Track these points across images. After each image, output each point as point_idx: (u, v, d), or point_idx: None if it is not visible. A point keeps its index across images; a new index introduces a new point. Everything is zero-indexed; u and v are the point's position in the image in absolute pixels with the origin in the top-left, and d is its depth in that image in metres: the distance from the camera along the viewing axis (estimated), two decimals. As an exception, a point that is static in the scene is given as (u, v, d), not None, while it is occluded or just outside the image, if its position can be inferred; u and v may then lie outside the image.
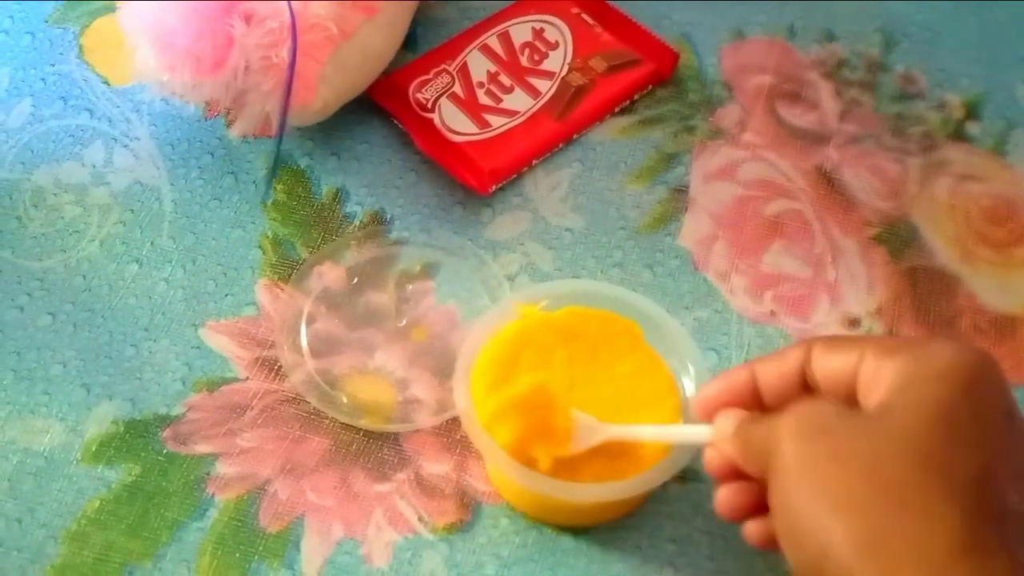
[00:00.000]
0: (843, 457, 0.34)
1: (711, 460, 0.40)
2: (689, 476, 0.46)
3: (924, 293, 0.51)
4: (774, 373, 0.39)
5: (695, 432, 0.41)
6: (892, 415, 0.34)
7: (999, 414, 0.34)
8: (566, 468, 0.41)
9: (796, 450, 0.35)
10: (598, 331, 0.45)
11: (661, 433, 0.42)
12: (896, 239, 0.52)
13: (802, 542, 0.34)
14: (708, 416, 0.40)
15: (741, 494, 0.39)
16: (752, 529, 0.39)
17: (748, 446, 0.38)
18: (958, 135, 0.56)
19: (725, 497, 0.39)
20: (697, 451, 0.41)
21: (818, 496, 0.33)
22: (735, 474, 0.39)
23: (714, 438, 0.39)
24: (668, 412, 0.43)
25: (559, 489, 0.41)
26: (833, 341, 0.37)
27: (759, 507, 0.38)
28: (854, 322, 0.50)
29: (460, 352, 0.44)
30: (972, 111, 0.57)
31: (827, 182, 0.54)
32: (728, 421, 0.39)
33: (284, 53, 0.49)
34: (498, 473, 0.44)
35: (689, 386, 0.44)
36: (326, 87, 0.51)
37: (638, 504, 0.45)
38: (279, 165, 0.52)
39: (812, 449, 0.34)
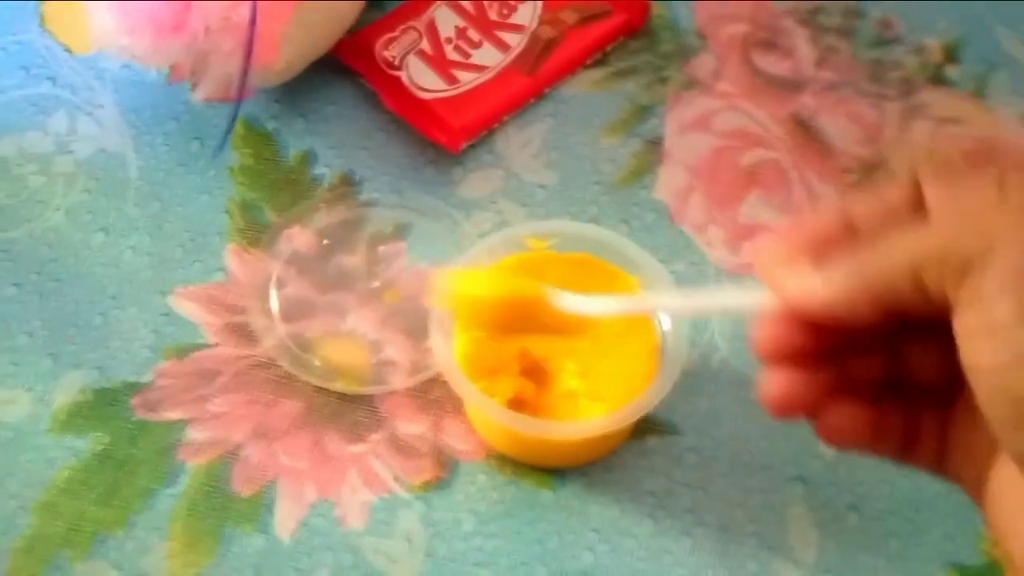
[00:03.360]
0: None
1: (767, 337, 0.31)
2: (668, 429, 0.45)
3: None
4: (878, 211, 0.30)
5: (748, 297, 0.32)
6: None
7: None
8: (547, 408, 0.42)
9: None
10: (599, 282, 0.44)
11: (691, 303, 0.35)
12: (875, 185, 0.51)
13: None
14: (769, 269, 0.31)
15: (803, 383, 0.31)
16: (839, 420, 0.31)
17: (893, 280, 0.28)
18: (937, 79, 0.55)
19: (783, 385, 0.31)
20: (668, 395, 0.41)
21: None
22: (796, 356, 0.31)
23: (794, 294, 0.30)
24: (643, 376, 0.42)
25: (545, 428, 0.41)
26: (944, 169, 0.30)
27: (823, 400, 0.31)
28: (833, 270, 0.49)
29: (454, 266, 0.44)
30: (951, 55, 0.56)
31: (804, 130, 0.53)
32: (808, 269, 0.30)
33: (244, 12, 0.48)
34: (478, 413, 0.43)
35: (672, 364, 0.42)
36: (289, 46, 0.50)
37: (620, 442, 0.44)
38: (233, 126, 0.51)
39: None
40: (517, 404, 0.42)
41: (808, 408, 0.32)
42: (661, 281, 0.44)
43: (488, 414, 0.42)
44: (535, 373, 0.43)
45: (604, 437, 0.42)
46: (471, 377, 0.42)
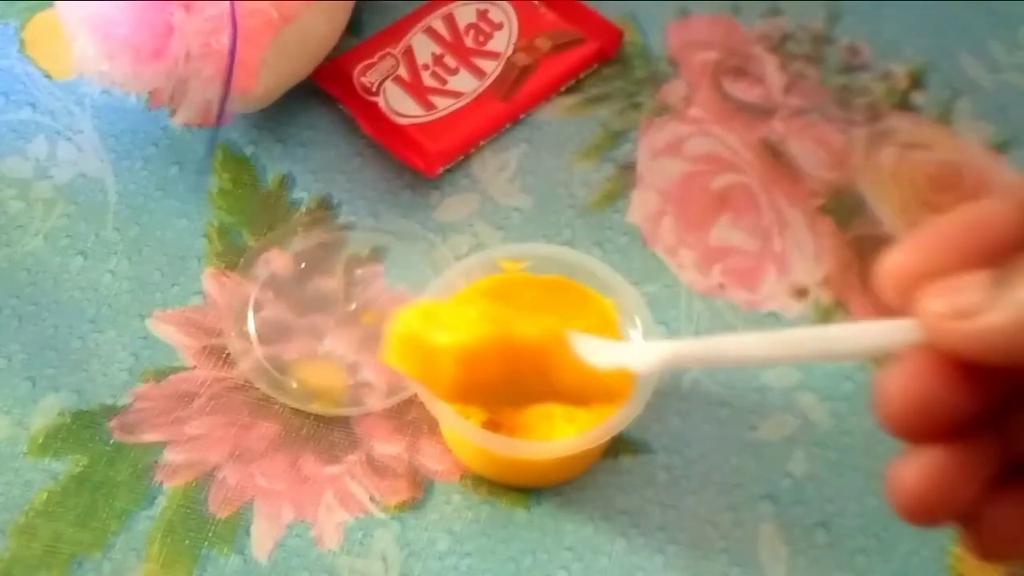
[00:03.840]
0: None
1: (904, 395, 0.21)
2: (640, 448, 0.46)
3: (871, 261, 0.50)
4: None
5: (887, 331, 0.22)
6: None
7: None
8: (522, 428, 0.42)
9: None
10: (574, 305, 0.45)
11: (797, 346, 0.25)
12: (842, 209, 0.53)
13: None
14: (907, 293, 0.22)
15: (958, 468, 0.21)
16: (1007, 524, 0.21)
17: None
18: (903, 105, 0.56)
19: (929, 473, 0.21)
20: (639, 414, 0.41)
21: None
22: (948, 426, 0.21)
23: (957, 327, 0.20)
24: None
25: (519, 448, 0.41)
26: None
27: (982, 494, 0.21)
28: (802, 292, 0.50)
29: (428, 288, 0.44)
30: (917, 81, 0.57)
31: (773, 155, 0.54)
32: (977, 287, 0.20)
33: (224, 39, 0.49)
34: (453, 433, 0.44)
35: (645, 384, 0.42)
36: (268, 72, 0.51)
37: (593, 461, 0.45)
38: (213, 152, 0.52)
39: None
40: (492, 425, 0.43)
41: (965, 508, 0.22)
42: (634, 303, 0.45)
43: (463, 434, 0.42)
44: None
45: (578, 456, 0.43)
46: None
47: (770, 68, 0.57)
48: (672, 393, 0.47)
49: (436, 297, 0.44)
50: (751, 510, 0.44)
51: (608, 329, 0.45)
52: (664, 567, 0.43)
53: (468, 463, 0.45)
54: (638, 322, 0.44)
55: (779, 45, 0.58)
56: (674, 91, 0.56)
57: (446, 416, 0.42)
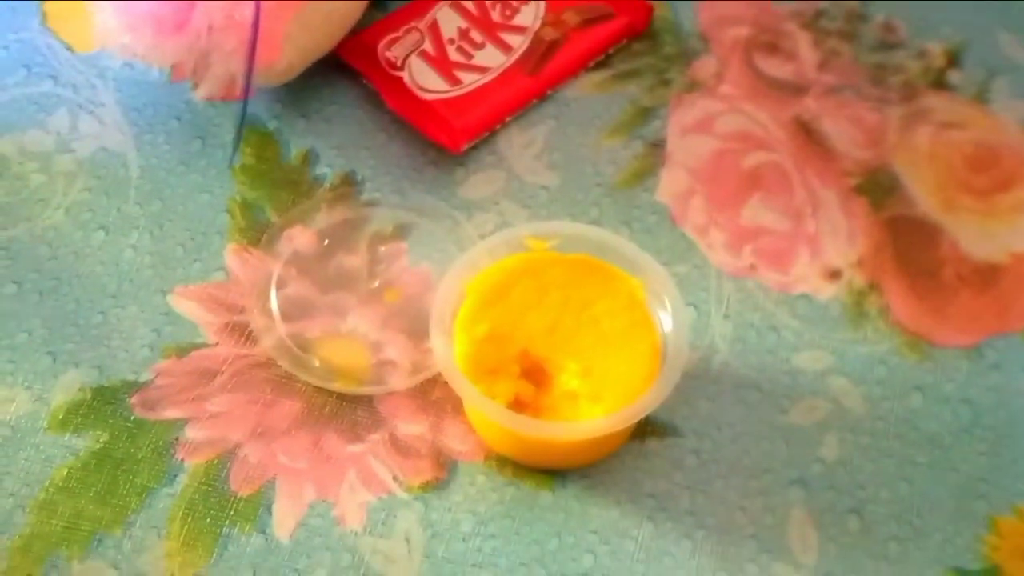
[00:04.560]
0: None
1: None
2: (668, 431, 0.45)
3: (906, 243, 0.50)
4: None
5: None
6: None
7: None
8: (548, 409, 0.42)
9: None
10: (601, 285, 0.44)
11: None
12: (877, 189, 0.51)
13: None
14: None
15: None
16: None
17: None
18: (939, 84, 0.55)
19: None
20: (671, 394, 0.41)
21: None
22: None
23: None
24: (644, 378, 0.42)
25: (545, 429, 0.41)
26: None
27: None
28: (835, 274, 0.49)
29: (453, 265, 0.44)
30: (953, 59, 0.56)
31: (806, 133, 0.53)
32: None
33: (247, 11, 0.48)
34: (477, 414, 0.43)
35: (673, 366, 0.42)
36: (291, 46, 0.50)
37: (620, 443, 0.44)
38: (244, 127, 0.51)
39: None
40: (517, 405, 0.42)
41: None
42: (663, 284, 0.44)
43: (488, 415, 0.42)
44: (535, 374, 0.43)
45: (604, 438, 0.42)
46: (471, 378, 0.42)
47: (803, 45, 0.56)
48: (701, 375, 0.46)
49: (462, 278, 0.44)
50: (781, 495, 0.44)
51: (636, 310, 0.44)
52: (692, 552, 0.42)
53: (492, 444, 0.44)
54: (667, 303, 0.43)
55: (812, 21, 0.57)
56: (705, 67, 0.55)
57: (471, 396, 0.41)
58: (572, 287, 0.44)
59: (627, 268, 0.45)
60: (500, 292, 0.44)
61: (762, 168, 0.52)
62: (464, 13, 0.55)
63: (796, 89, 0.54)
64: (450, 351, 0.42)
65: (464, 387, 0.41)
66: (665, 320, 0.43)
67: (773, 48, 0.56)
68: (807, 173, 0.52)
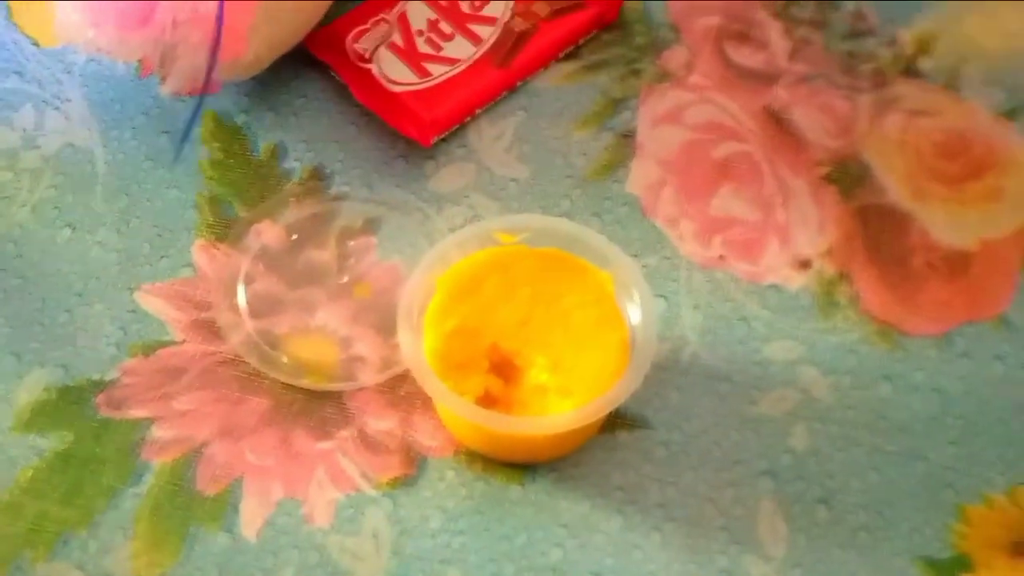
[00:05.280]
0: None
1: None
2: (638, 423, 0.45)
3: (876, 232, 0.50)
4: None
5: None
6: None
7: None
8: (517, 403, 0.42)
9: None
10: (571, 278, 0.44)
11: None
12: (847, 178, 0.51)
13: None
14: None
15: None
16: None
17: None
18: (909, 71, 0.55)
19: None
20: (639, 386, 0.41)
21: None
22: None
23: None
24: (613, 371, 0.42)
25: (514, 424, 0.41)
26: None
27: None
28: (805, 264, 0.49)
29: (421, 260, 0.44)
30: (923, 46, 0.56)
31: (776, 122, 0.53)
32: None
33: (211, 4, 0.47)
34: (447, 409, 0.43)
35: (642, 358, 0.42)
36: (258, 39, 0.49)
37: (590, 436, 0.44)
38: (197, 122, 0.50)
39: None
40: (487, 400, 0.42)
41: None
42: (632, 276, 0.44)
43: (457, 411, 0.41)
44: (505, 368, 0.43)
45: (574, 432, 0.42)
46: (440, 373, 0.42)
47: (774, 33, 0.56)
48: (671, 367, 0.46)
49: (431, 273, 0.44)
50: (751, 487, 0.44)
51: (605, 303, 0.44)
52: (662, 545, 0.42)
53: (462, 439, 0.44)
54: (636, 295, 0.43)
55: (783, 10, 0.57)
56: (675, 57, 0.55)
57: (438, 392, 0.41)
58: (542, 281, 0.44)
59: (597, 261, 0.44)
60: (470, 287, 0.44)
61: (732, 158, 0.52)
62: (433, 4, 0.55)
63: (767, 78, 0.54)
64: (418, 347, 0.42)
65: (431, 383, 0.41)
66: (634, 313, 0.43)
67: (744, 37, 0.56)
68: (777, 163, 0.52)
